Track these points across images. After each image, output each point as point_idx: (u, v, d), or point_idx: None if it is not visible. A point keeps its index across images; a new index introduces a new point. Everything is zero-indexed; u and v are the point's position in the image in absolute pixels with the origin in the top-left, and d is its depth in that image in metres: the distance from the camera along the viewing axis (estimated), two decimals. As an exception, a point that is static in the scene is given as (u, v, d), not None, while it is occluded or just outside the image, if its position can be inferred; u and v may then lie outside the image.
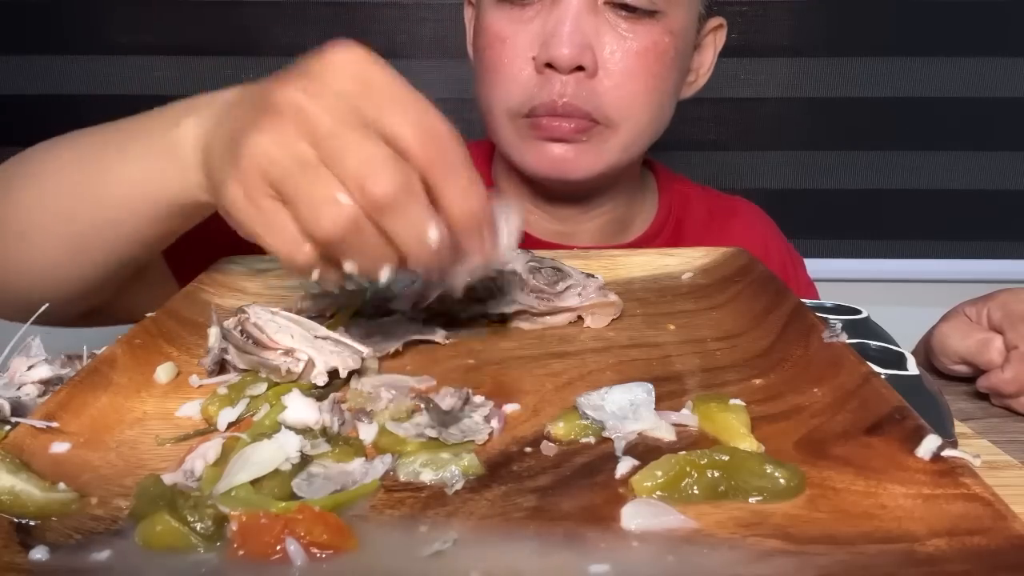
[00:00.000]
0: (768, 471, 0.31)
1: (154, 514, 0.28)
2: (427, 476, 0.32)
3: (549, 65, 0.64)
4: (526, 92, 0.67)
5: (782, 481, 0.30)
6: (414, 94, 0.36)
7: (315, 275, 0.36)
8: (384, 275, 0.36)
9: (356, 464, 0.33)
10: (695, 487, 0.30)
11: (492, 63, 0.68)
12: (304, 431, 0.35)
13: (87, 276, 0.54)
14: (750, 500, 0.30)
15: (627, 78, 0.66)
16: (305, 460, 0.33)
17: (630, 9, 0.64)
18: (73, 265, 0.53)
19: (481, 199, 0.37)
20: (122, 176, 0.49)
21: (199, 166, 0.45)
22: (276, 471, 0.31)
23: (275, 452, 0.32)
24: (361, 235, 0.35)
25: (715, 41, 0.76)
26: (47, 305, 0.47)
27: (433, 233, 0.35)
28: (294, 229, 0.35)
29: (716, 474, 0.30)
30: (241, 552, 0.27)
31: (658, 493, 0.30)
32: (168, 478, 0.32)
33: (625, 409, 0.36)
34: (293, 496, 0.31)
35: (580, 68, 0.64)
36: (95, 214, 0.51)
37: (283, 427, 0.35)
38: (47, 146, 0.55)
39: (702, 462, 0.31)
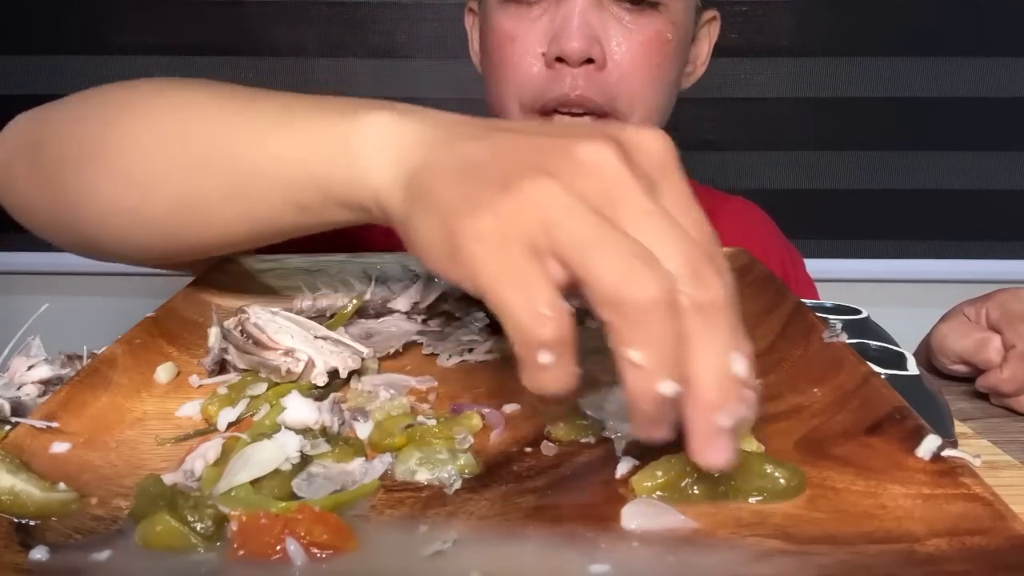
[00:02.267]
0: (768, 471, 0.31)
1: (154, 514, 0.28)
2: (423, 476, 0.32)
3: (560, 60, 0.66)
4: (538, 87, 0.68)
5: (782, 481, 0.30)
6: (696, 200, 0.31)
7: (545, 359, 0.27)
8: (665, 388, 0.26)
9: (356, 464, 0.33)
10: (695, 487, 0.30)
11: (503, 61, 0.70)
12: (304, 431, 0.35)
13: (183, 242, 0.47)
14: (750, 500, 0.30)
15: (634, 69, 0.67)
16: (305, 460, 0.33)
17: (634, 2, 0.66)
18: (173, 226, 0.46)
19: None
20: (271, 144, 0.41)
21: (384, 172, 0.36)
22: (276, 471, 0.31)
23: (275, 452, 0.32)
24: (668, 318, 0.26)
25: (710, 33, 0.78)
26: (45, 306, 0.47)
27: (738, 364, 0.27)
28: (548, 294, 0.27)
29: (716, 474, 0.30)
30: (241, 552, 0.27)
31: (658, 493, 0.30)
32: (168, 478, 0.32)
33: (625, 409, 0.36)
34: (293, 496, 0.31)
35: (590, 61, 0.66)
36: (222, 179, 0.43)
37: (283, 427, 0.35)
38: (168, 84, 0.48)
39: None
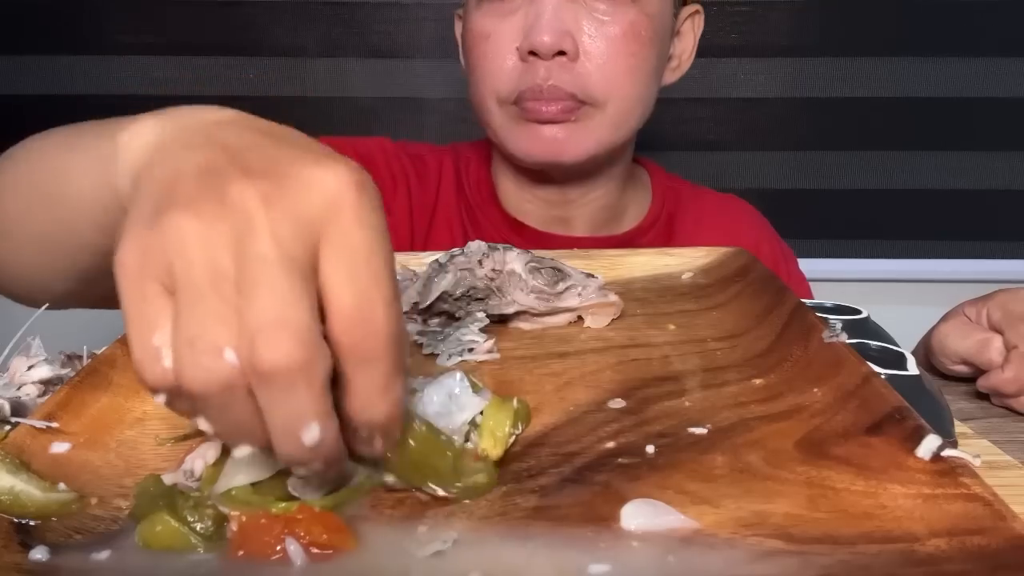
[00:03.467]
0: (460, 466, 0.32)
1: (154, 514, 0.28)
2: (391, 477, 0.32)
3: (533, 53, 0.67)
4: (512, 80, 0.70)
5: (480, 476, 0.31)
6: (384, 257, 0.28)
7: (159, 399, 0.28)
8: (240, 452, 0.29)
9: (352, 463, 0.33)
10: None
11: (479, 58, 0.72)
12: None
13: (61, 277, 0.48)
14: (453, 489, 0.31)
15: (608, 59, 0.68)
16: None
17: None
18: (44, 266, 0.48)
19: (389, 405, 0.28)
20: (69, 172, 0.42)
21: (126, 180, 0.34)
22: (276, 472, 0.31)
23: (275, 452, 0.32)
24: (229, 399, 0.27)
25: (694, 27, 0.78)
26: (46, 306, 0.47)
27: (311, 433, 0.27)
28: (164, 338, 0.27)
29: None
30: (241, 552, 0.27)
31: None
32: (168, 478, 0.32)
33: (446, 403, 0.35)
34: (292, 496, 0.31)
35: (562, 53, 0.67)
36: (50, 213, 0.44)
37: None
38: (25, 141, 0.50)
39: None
